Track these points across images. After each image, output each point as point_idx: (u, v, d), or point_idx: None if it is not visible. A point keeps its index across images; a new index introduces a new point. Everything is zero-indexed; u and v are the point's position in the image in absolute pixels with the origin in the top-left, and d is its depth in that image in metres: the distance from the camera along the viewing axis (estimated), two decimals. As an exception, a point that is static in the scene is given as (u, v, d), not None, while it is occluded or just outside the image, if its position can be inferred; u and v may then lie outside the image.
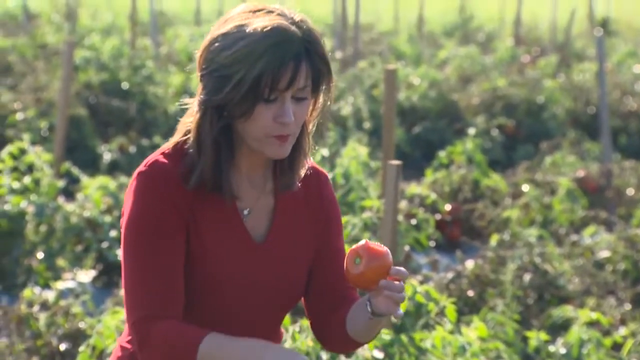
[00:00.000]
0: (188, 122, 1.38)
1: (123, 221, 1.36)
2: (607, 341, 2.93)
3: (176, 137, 1.38)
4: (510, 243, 3.62)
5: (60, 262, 3.80)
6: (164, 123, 5.90)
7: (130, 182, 1.37)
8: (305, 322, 2.29)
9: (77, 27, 9.40)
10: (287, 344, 2.25)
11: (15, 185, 3.90)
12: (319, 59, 1.34)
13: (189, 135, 1.37)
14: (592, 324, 3.04)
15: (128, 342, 1.40)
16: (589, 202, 4.69)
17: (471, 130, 5.79)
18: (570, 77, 7.57)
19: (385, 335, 2.38)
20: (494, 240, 3.71)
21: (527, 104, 6.82)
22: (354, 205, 3.34)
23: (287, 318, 2.46)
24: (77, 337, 2.91)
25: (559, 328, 3.15)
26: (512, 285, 3.27)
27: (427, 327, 2.49)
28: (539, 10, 13.09)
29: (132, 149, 5.54)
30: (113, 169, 5.37)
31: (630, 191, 4.84)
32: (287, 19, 1.34)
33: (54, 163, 4.51)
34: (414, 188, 4.34)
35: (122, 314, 2.60)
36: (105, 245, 3.86)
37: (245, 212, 1.39)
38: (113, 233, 3.85)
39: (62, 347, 2.90)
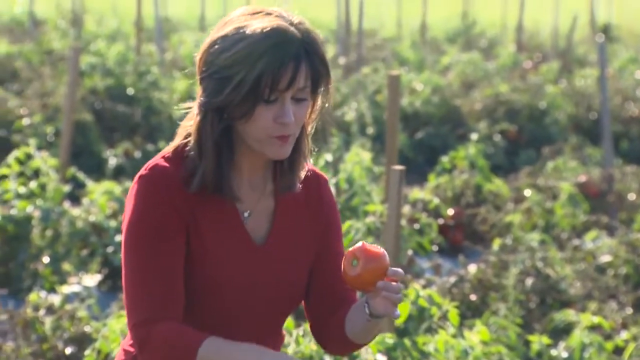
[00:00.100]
0: (188, 126, 1.38)
1: (124, 225, 1.37)
2: (609, 345, 2.94)
3: (176, 141, 1.39)
4: (512, 247, 3.64)
5: (66, 266, 3.83)
6: (168, 128, 5.93)
7: (131, 186, 1.38)
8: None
9: (83, 33, 9.44)
10: (291, 347, 2.27)
11: (22, 190, 3.93)
12: (318, 60, 1.35)
13: (189, 139, 1.38)
14: (593, 328, 3.05)
15: (131, 345, 1.41)
16: (590, 207, 4.71)
17: (474, 136, 5.82)
18: (572, 83, 7.60)
19: (389, 339, 2.40)
20: (496, 244, 3.73)
21: (529, 110, 6.84)
22: (358, 210, 3.36)
23: (291, 322, 2.48)
24: (82, 340, 2.93)
25: (561, 332, 3.17)
26: (515, 290, 3.28)
27: (430, 331, 2.51)
28: (541, 16, 13.11)
29: (137, 154, 5.57)
30: (118, 174, 5.40)
31: (632, 196, 4.86)
32: (285, 20, 1.35)
33: (60, 168, 4.54)
34: (417, 193, 4.37)
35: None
36: (110, 249, 3.88)
37: (246, 214, 1.40)
38: (118, 238, 3.87)
39: (68, 350, 2.92)
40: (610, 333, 3.14)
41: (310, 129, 1.41)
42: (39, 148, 4.45)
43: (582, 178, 4.94)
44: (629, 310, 3.34)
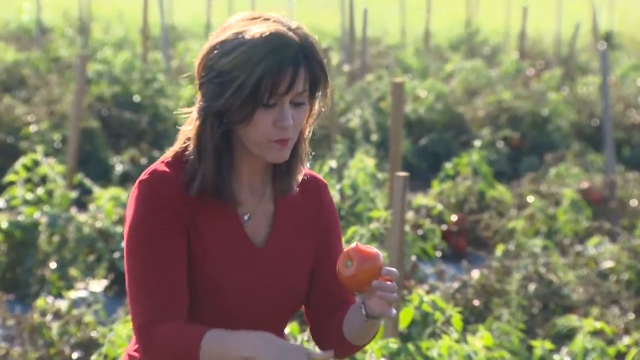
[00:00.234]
0: (188, 130, 1.39)
1: (125, 229, 1.38)
2: (611, 350, 2.95)
3: (176, 146, 1.40)
4: (515, 253, 3.66)
5: (73, 271, 3.86)
6: (174, 135, 5.88)
7: (132, 190, 1.39)
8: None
9: (90, 41, 9.49)
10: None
11: (29, 196, 3.96)
12: (317, 64, 1.36)
13: (188, 143, 1.39)
14: (596, 333, 3.06)
15: (135, 350, 1.41)
16: (592, 213, 4.72)
17: (477, 142, 5.84)
18: (574, 90, 7.62)
19: (392, 344, 2.42)
20: (499, 250, 3.75)
21: (531, 117, 6.86)
22: (362, 216, 3.38)
23: (296, 327, 2.51)
24: (89, 345, 2.95)
25: (564, 337, 3.18)
26: (517, 295, 3.30)
27: (434, 336, 2.52)
28: (544, 24, 13.14)
29: (144, 161, 5.60)
30: (125, 180, 5.43)
31: (634, 202, 4.87)
32: (284, 25, 1.36)
33: (67, 174, 4.57)
34: (420, 199, 4.39)
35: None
36: (116, 255, 3.91)
37: (246, 217, 1.41)
38: (125, 243, 3.89)
39: (75, 355, 2.93)
40: (612, 338, 3.15)
41: (307, 133, 1.42)
42: (46, 155, 4.48)
43: (585, 184, 4.96)
44: (631, 316, 3.36)
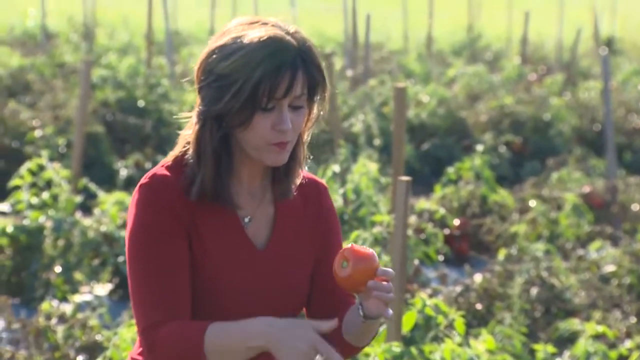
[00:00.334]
0: (187, 135, 1.40)
1: (126, 233, 1.38)
2: (613, 354, 2.96)
3: (177, 150, 1.41)
4: (517, 257, 3.68)
5: (78, 275, 3.88)
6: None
7: (133, 194, 1.39)
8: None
9: (95, 47, 9.50)
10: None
11: (34, 200, 3.98)
12: (315, 68, 1.37)
13: (188, 147, 1.39)
14: (598, 336, 3.08)
15: (139, 354, 1.41)
16: (594, 217, 4.73)
17: (479, 147, 5.86)
18: (576, 95, 7.63)
19: (395, 347, 2.43)
20: (501, 254, 3.76)
21: (533, 122, 6.88)
22: (365, 220, 3.40)
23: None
24: (94, 349, 2.96)
25: (566, 341, 3.20)
26: (520, 299, 3.32)
27: (437, 339, 2.54)
28: (546, 29, 13.16)
29: (148, 165, 5.62)
30: (129, 184, 5.44)
31: (635, 207, 4.89)
32: (282, 29, 1.37)
33: (72, 179, 4.60)
34: (423, 203, 4.41)
35: (139, 325, 2.66)
36: (121, 259, 3.93)
37: (246, 219, 1.41)
38: (129, 247, 3.91)
39: (79, 359, 2.95)
40: (614, 342, 3.16)
41: (306, 136, 1.43)
42: (51, 159, 4.51)
43: (586, 189, 4.97)
44: (633, 319, 3.37)
